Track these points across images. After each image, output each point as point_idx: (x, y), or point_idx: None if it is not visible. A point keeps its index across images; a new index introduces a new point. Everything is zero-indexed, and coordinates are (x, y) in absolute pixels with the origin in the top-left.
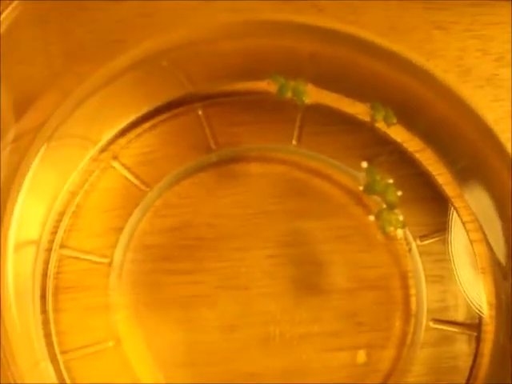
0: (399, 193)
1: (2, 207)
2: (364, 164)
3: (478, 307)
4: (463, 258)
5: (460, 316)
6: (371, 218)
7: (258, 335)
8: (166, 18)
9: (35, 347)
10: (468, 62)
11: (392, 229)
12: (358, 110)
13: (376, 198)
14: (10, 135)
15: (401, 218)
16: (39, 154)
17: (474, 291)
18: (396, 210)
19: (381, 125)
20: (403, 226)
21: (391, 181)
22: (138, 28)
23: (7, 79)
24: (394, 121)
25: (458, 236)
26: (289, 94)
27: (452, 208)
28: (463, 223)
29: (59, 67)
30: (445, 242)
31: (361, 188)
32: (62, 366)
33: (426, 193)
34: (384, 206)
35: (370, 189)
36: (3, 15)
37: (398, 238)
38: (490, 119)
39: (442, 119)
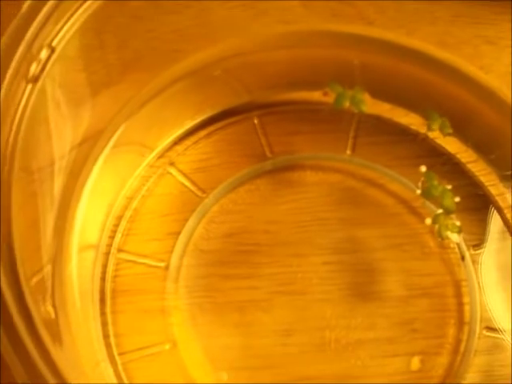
0: (457, 199)
1: (66, 212)
2: (423, 168)
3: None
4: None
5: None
6: (428, 221)
7: (314, 340)
8: (220, 28)
9: (95, 348)
10: None
11: (449, 233)
12: (411, 120)
13: (430, 206)
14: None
15: (458, 223)
16: (99, 161)
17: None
18: (453, 216)
19: (436, 134)
20: (459, 231)
21: (449, 187)
22: (193, 38)
23: (66, 86)
24: (450, 131)
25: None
26: (346, 103)
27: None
28: None
29: (116, 76)
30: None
31: (418, 192)
32: (120, 367)
33: (480, 202)
34: (441, 210)
35: (427, 193)
36: (64, 26)
37: (452, 246)
38: None
39: (495, 130)
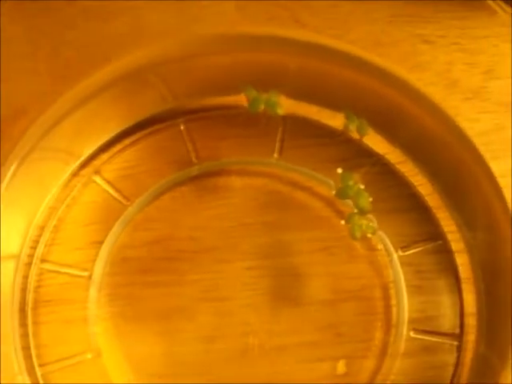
0: (371, 199)
1: None
2: (339, 170)
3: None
4: None
5: (441, 326)
6: (342, 222)
7: (238, 346)
8: (149, 33)
9: (13, 360)
10: (455, 74)
11: (361, 234)
12: (339, 122)
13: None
14: None
15: (372, 224)
16: (21, 168)
17: None
18: (368, 216)
19: (357, 135)
20: (374, 232)
21: (363, 186)
22: (123, 45)
23: None
24: (368, 131)
25: None
26: (262, 107)
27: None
28: (445, 233)
29: (46, 85)
30: (426, 252)
31: (333, 193)
32: (40, 379)
33: (409, 203)
34: (356, 210)
35: (342, 193)
36: None
37: (379, 248)
38: (476, 131)
39: (424, 131)
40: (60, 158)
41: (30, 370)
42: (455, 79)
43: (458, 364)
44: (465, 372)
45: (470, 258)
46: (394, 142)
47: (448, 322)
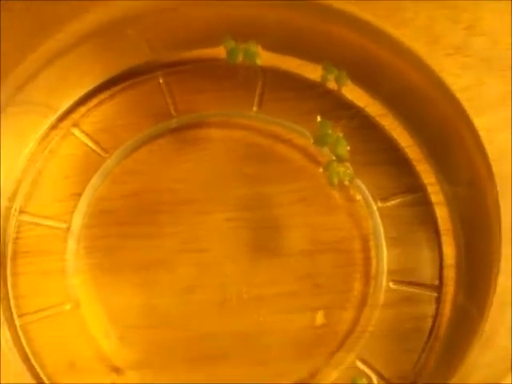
0: (348, 147)
1: None
2: (318, 118)
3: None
4: None
5: (420, 277)
6: (320, 170)
7: (216, 297)
8: None
9: None
10: (437, 30)
11: (338, 180)
12: (319, 75)
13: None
14: None
15: (349, 171)
16: None
17: None
18: (346, 164)
19: (345, 89)
20: (351, 179)
21: (341, 134)
22: None
23: None
24: (346, 82)
25: None
26: (240, 57)
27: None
28: (425, 186)
29: (21, 39)
30: (405, 204)
31: (311, 140)
32: (19, 330)
33: (388, 156)
34: (334, 158)
35: (320, 141)
36: None
37: (358, 199)
38: (458, 87)
39: (407, 85)
40: (38, 111)
41: (10, 321)
42: (437, 35)
43: (436, 315)
44: (444, 323)
45: (450, 211)
46: (374, 94)
47: (427, 273)
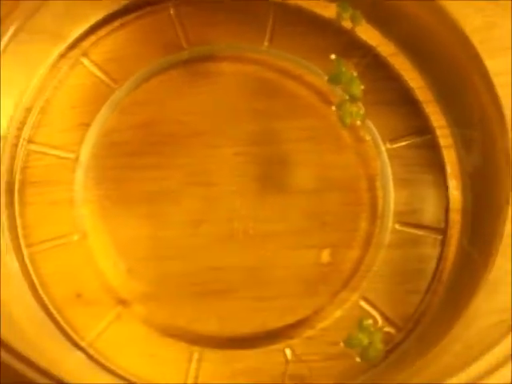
0: (362, 86)
1: None
2: (332, 56)
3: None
4: None
5: (426, 220)
6: (333, 108)
7: (223, 231)
8: None
9: (0, 240)
10: None
11: (351, 120)
12: (331, 12)
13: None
14: None
15: (362, 111)
16: (6, 49)
17: None
18: (358, 104)
19: (359, 28)
20: (363, 119)
21: (356, 74)
22: None
23: None
24: (361, 21)
25: None
26: None
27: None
28: (434, 128)
29: None
30: (414, 146)
31: (326, 78)
32: (26, 259)
33: (398, 97)
34: (347, 97)
35: (334, 79)
36: None
37: (367, 139)
38: (471, 28)
39: (420, 26)
40: (47, 39)
41: (17, 251)
42: None
43: (441, 258)
44: (447, 266)
45: (458, 155)
46: (386, 34)
47: (433, 216)
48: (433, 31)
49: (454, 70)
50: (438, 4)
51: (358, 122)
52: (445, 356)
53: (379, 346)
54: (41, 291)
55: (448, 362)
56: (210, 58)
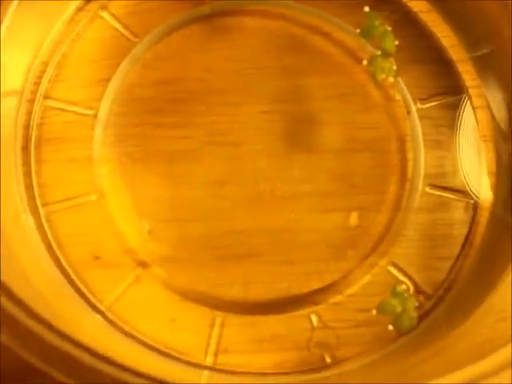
0: (396, 42)
1: None
2: (366, 8)
3: (475, 191)
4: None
5: (458, 182)
6: (364, 62)
7: (247, 193)
8: None
9: (16, 200)
10: None
11: (383, 76)
12: None
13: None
14: None
15: (394, 67)
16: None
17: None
18: (391, 59)
19: None
20: (396, 76)
21: (390, 28)
22: None
23: None
24: None
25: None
26: None
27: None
28: (467, 88)
29: None
30: (445, 106)
31: (358, 31)
32: (43, 219)
33: (430, 55)
34: (379, 52)
35: (367, 33)
36: None
37: (397, 99)
38: None
39: None
40: None
41: (34, 210)
42: None
43: (473, 222)
44: (480, 231)
45: (491, 116)
46: None
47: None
48: None
49: (488, 29)
50: None
51: (391, 79)
52: (479, 328)
53: (413, 313)
54: (58, 253)
55: (483, 335)
56: (233, 12)
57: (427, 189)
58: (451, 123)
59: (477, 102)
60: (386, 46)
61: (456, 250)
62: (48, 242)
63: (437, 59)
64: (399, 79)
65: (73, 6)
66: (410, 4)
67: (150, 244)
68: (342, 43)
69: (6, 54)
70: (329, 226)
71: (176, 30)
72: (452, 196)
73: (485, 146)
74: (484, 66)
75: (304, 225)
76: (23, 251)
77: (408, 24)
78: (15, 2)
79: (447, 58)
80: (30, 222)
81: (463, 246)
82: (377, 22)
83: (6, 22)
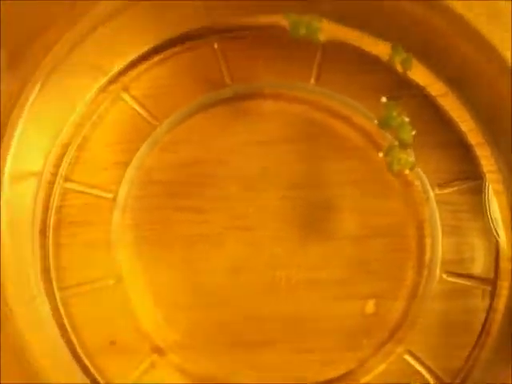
0: (413, 132)
1: (1, 135)
2: (383, 99)
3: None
4: None
5: (475, 269)
6: (380, 154)
7: (263, 279)
8: None
9: (31, 283)
10: (500, 4)
11: (399, 168)
12: (380, 50)
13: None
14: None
15: (411, 159)
16: (46, 82)
17: None
18: (408, 150)
19: (400, 69)
20: (412, 168)
21: (407, 119)
22: None
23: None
24: (411, 67)
25: None
26: (303, 31)
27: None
28: (485, 173)
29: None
30: (464, 191)
31: (376, 122)
32: (58, 303)
33: (448, 139)
34: (396, 143)
35: (384, 124)
36: None
37: (416, 184)
38: None
39: (469, 64)
40: (88, 73)
41: (49, 293)
42: (499, 9)
43: (490, 310)
44: (497, 319)
45: (509, 201)
46: (437, 73)
47: (483, 265)
48: (481, 69)
49: (505, 111)
50: (488, 42)
51: (407, 171)
52: None
53: None
54: (73, 337)
55: None
56: (254, 95)
57: (444, 276)
58: (469, 208)
59: (496, 186)
60: (403, 137)
61: (473, 337)
62: (63, 326)
63: (455, 143)
64: (417, 163)
65: (95, 87)
66: (429, 88)
67: (165, 330)
68: (360, 128)
69: (27, 135)
70: (345, 313)
71: (196, 113)
72: (469, 283)
73: (501, 231)
74: (501, 149)
75: (319, 312)
76: (34, 335)
77: (426, 108)
78: (38, 84)
79: (465, 142)
80: (45, 305)
81: (480, 334)
82: (394, 113)
83: (28, 104)
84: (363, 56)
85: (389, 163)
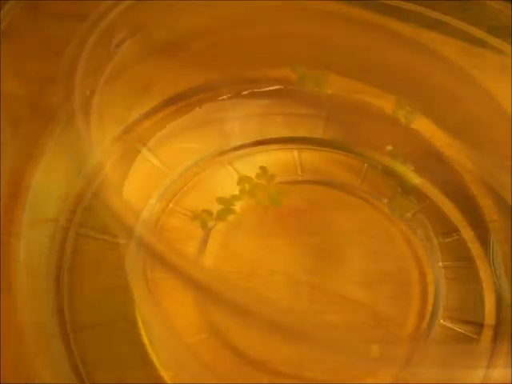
0: (417, 180)
1: (18, 184)
2: (389, 147)
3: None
4: None
5: (477, 316)
6: (384, 200)
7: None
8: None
9: (47, 324)
10: (507, 60)
11: (402, 214)
12: (384, 102)
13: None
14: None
15: (414, 205)
16: (59, 133)
17: None
18: (411, 197)
19: (404, 121)
20: (414, 213)
21: (412, 167)
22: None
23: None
24: (413, 122)
25: None
26: (310, 84)
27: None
28: (488, 222)
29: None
30: (467, 240)
31: (380, 168)
32: (72, 344)
33: (452, 188)
34: (399, 190)
35: (389, 171)
36: None
37: (419, 232)
38: None
39: (472, 116)
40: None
41: (63, 335)
42: (506, 64)
43: (492, 355)
44: (500, 365)
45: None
46: (440, 124)
47: (484, 312)
48: (484, 121)
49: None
50: (491, 94)
51: (409, 216)
52: None
53: None
54: (85, 378)
55: None
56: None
57: (446, 322)
58: (472, 256)
59: (499, 235)
60: (406, 185)
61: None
62: (76, 367)
63: (458, 193)
64: (421, 213)
65: (109, 137)
66: (432, 139)
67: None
68: (365, 176)
69: (43, 182)
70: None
71: None
72: (470, 329)
73: (503, 279)
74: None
75: (325, 356)
76: (48, 375)
77: (431, 158)
78: (56, 134)
79: (469, 192)
80: (60, 346)
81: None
82: (399, 161)
83: (48, 153)
84: (367, 108)
85: (392, 209)
